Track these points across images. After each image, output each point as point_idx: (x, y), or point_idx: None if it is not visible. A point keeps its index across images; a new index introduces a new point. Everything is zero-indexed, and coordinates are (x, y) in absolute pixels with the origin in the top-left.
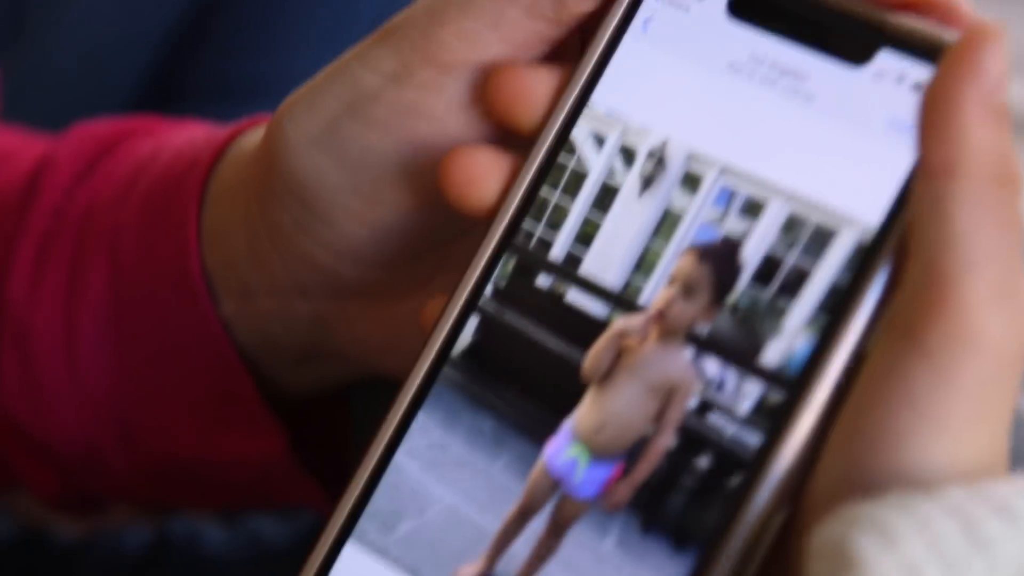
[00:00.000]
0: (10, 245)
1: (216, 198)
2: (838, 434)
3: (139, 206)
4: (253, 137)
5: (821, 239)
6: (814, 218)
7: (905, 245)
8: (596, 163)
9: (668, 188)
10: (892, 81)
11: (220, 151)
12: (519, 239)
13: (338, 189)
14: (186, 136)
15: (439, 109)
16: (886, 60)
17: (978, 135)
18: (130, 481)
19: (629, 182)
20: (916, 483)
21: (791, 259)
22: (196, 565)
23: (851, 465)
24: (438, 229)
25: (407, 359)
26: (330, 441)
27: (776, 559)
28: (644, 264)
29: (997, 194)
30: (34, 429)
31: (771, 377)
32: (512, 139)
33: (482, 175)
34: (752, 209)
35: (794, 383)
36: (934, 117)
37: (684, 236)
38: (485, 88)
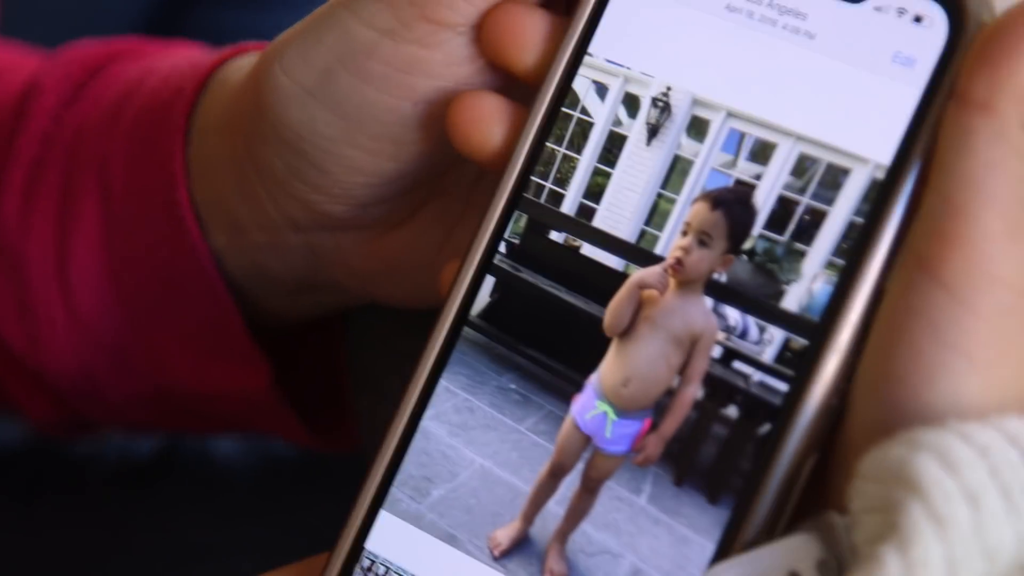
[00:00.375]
0: (1, 170)
1: (202, 131)
2: (865, 375)
3: (127, 135)
4: (239, 66)
5: (833, 179)
6: (825, 158)
7: (921, 180)
8: (601, 113)
9: (676, 135)
10: (893, 15)
11: (204, 80)
12: (529, 194)
13: (334, 140)
14: (172, 61)
15: (438, 64)
16: None
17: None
18: (124, 409)
19: (636, 131)
20: (954, 418)
21: (805, 201)
22: (206, 471)
23: (884, 406)
24: (435, 171)
25: (401, 286)
26: (325, 367)
27: (807, 506)
28: (657, 213)
29: None
30: (28, 356)
31: (793, 322)
32: (516, 95)
33: (486, 118)
34: (761, 152)
35: (817, 326)
36: (987, 52)
37: (695, 183)
38: (480, 26)
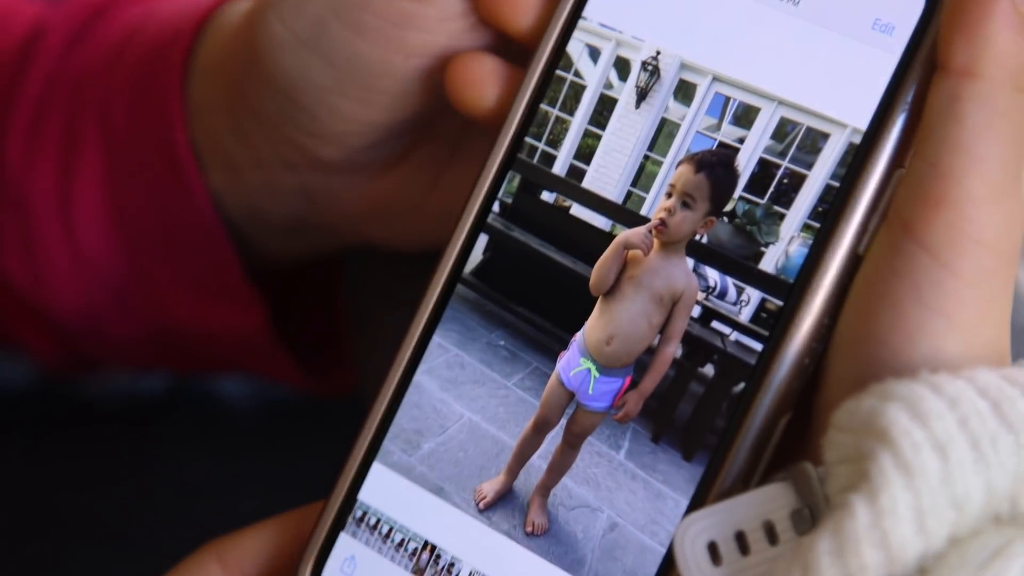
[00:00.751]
0: (6, 110)
1: (200, 73)
2: (846, 335)
3: (128, 76)
4: (237, 9)
5: (813, 143)
6: (805, 122)
7: (898, 145)
8: (593, 76)
9: (663, 99)
10: None
11: (202, 23)
12: (523, 154)
13: (325, 89)
14: (175, 5)
15: (430, 18)
16: None
17: (1003, 40)
18: (125, 348)
19: (626, 94)
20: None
21: (784, 164)
22: (209, 410)
23: (864, 366)
24: (424, 120)
25: (391, 228)
26: (323, 311)
27: (780, 465)
28: (644, 175)
29: (1013, 99)
30: (31, 294)
31: (770, 283)
32: (507, 50)
33: (482, 79)
34: (745, 116)
35: (793, 287)
36: (961, 19)
37: (681, 146)
38: None
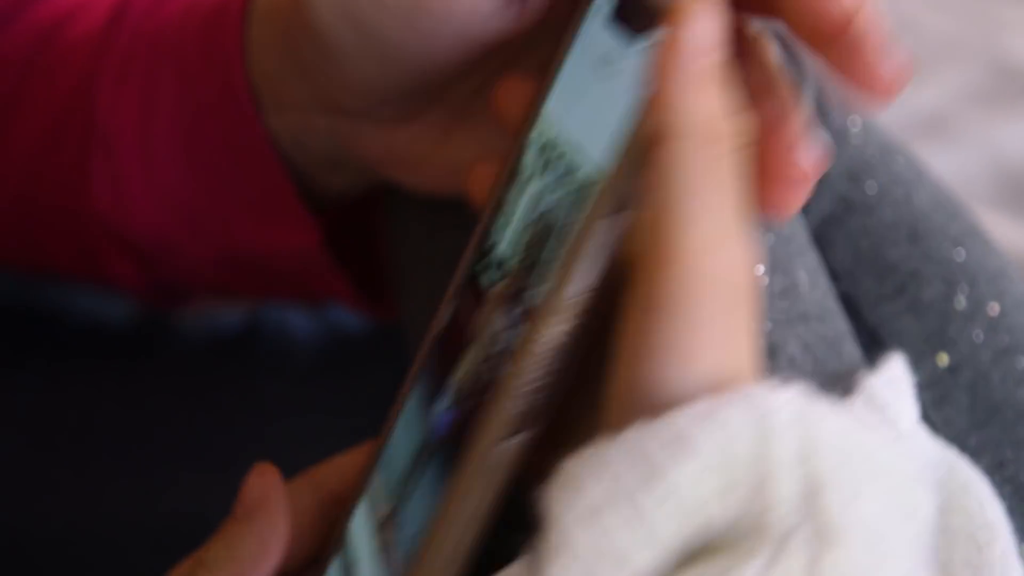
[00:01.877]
0: (99, 66)
1: (257, 19)
2: (610, 386)
3: (197, 28)
4: None
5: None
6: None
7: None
8: None
9: None
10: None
11: None
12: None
13: (352, 50)
14: None
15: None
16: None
17: (686, 100)
18: (199, 268)
19: None
20: (670, 402)
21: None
22: (283, 344)
23: (624, 414)
24: (435, 86)
25: (407, 173)
26: (368, 239)
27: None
28: None
29: (709, 151)
30: (117, 221)
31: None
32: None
33: (516, 97)
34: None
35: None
36: (650, 87)
37: None
38: None
